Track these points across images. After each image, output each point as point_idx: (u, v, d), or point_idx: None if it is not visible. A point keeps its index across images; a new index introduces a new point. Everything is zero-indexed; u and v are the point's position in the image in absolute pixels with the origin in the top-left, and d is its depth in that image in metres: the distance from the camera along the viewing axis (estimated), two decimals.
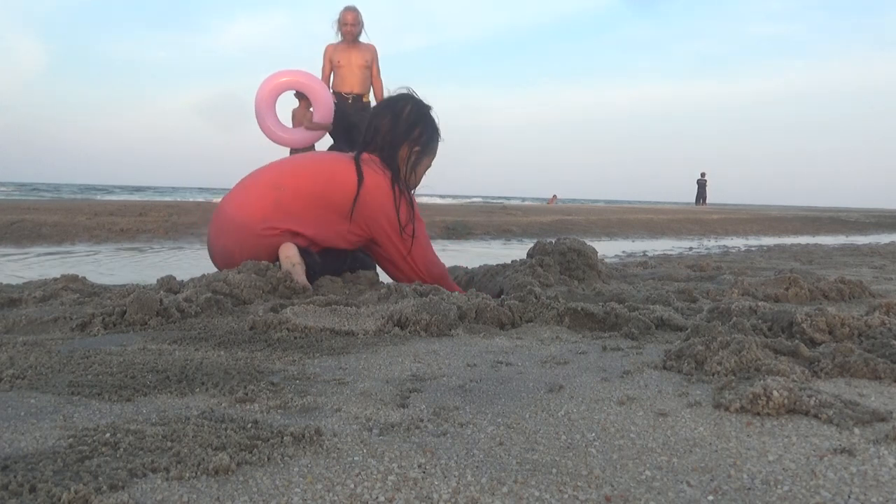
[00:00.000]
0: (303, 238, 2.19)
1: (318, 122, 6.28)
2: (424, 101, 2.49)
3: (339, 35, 6.20)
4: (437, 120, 2.48)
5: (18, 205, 6.77)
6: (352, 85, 6.42)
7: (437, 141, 2.50)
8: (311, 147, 6.25)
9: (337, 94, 6.07)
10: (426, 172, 2.51)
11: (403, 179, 2.37)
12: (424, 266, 2.31)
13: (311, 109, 6.21)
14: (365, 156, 2.33)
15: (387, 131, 2.37)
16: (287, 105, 6.25)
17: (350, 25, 6.08)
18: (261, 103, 6.03)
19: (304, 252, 2.16)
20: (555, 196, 27.18)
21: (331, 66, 6.16)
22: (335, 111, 6.11)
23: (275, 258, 2.17)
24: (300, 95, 6.28)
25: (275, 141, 6.12)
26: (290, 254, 2.12)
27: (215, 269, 2.19)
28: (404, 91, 2.50)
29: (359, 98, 6.37)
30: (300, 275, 2.07)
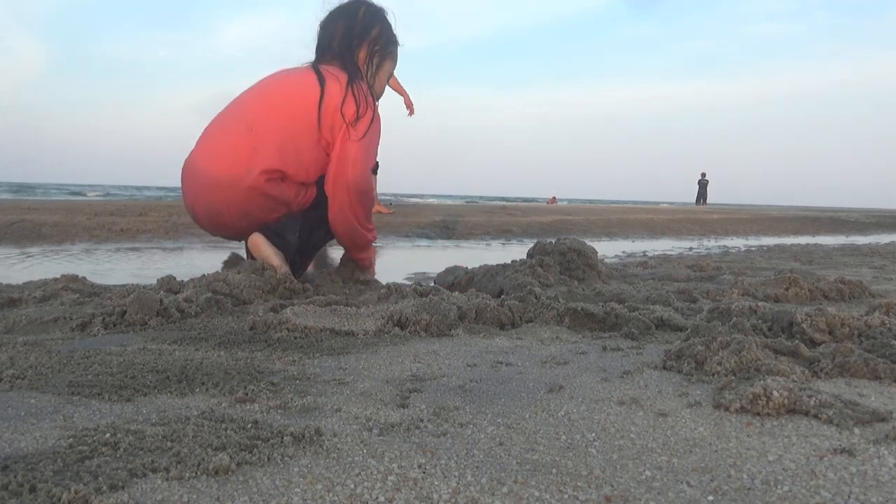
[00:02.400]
0: (285, 176, 2.10)
1: None
2: (380, 7, 2.40)
3: None
4: (393, 23, 2.40)
5: (18, 205, 6.78)
6: None
7: (396, 44, 2.42)
8: None
9: None
10: (388, 78, 2.43)
11: (367, 83, 2.29)
12: (354, 170, 2.12)
13: None
14: (323, 66, 2.24)
15: (343, 35, 2.29)
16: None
17: None
18: None
19: (276, 239, 2.11)
20: (554, 197, 27.17)
21: None
22: None
23: (270, 211, 2.10)
24: None
25: None
26: (265, 253, 2.07)
27: (215, 270, 2.18)
28: None
29: None
30: (283, 266, 2.06)
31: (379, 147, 2.30)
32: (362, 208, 2.19)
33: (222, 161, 2.07)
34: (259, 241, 2.09)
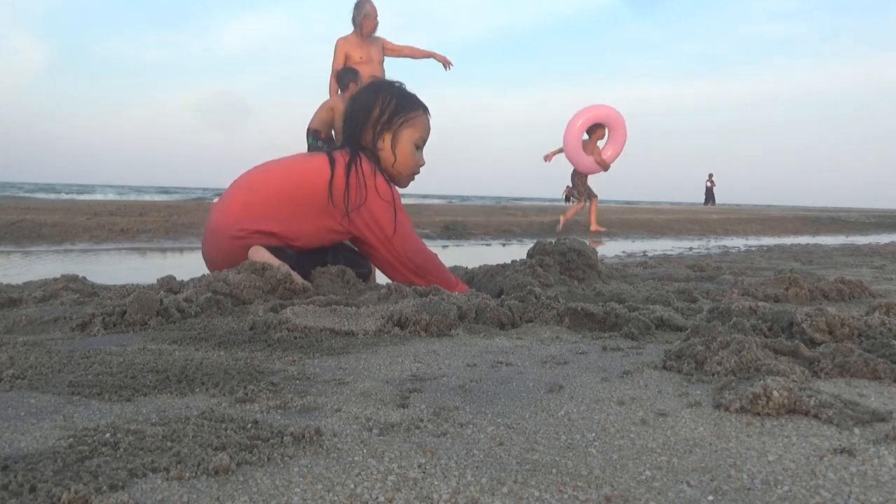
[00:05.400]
0: (277, 237, 2.14)
1: (603, 160, 7.53)
2: (387, 81, 2.37)
3: (358, 28, 6.13)
4: (403, 90, 2.34)
5: (18, 205, 6.77)
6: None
7: (412, 111, 2.33)
8: (586, 176, 7.85)
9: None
10: (415, 147, 2.33)
11: (379, 164, 2.26)
12: (406, 253, 2.20)
13: (601, 144, 7.67)
14: (336, 152, 2.27)
15: (349, 122, 2.31)
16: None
17: (372, 19, 6.05)
18: (575, 124, 7.64)
19: (275, 251, 2.12)
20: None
21: (344, 60, 6.14)
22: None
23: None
24: (593, 129, 7.70)
25: (567, 154, 7.72)
26: (264, 258, 2.06)
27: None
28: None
29: None
30: (296, 275, 2.05)
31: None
32: (433, 278, 2.23)
33: (220, 213, 2.21)
34: (259, 249, 2.10)
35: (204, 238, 2.29)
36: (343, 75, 6.17)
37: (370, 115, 2.28)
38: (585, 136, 7.76)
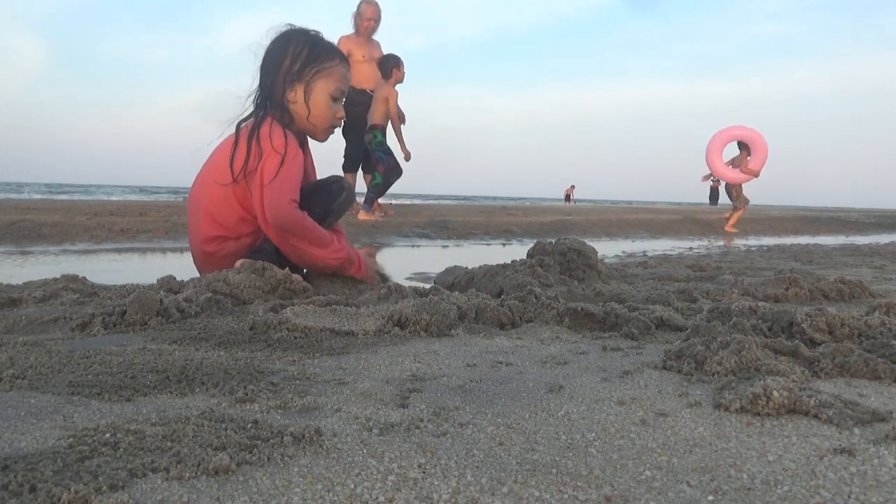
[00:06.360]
0: (239, 242, 2.15)
1: (751, 169, 9.38)
2: (302, 29, 2.22)
3: (356, 28, 6.12)
4: (318, 38, 2.20)
5: (18, 205, 6.77)
6: (371, 81, 6.55)
7: (327, 60, 2.17)
8: (740, 185, 9.68)
9: (355, 89, 6.23)
10: (332, 99, 2.19)
11: (290, 119, 2.17)
12: (270, 208, 2.03)
13: (749, 157, 9.37)
14: (249, 121, 2.18)
15: (260, 79, 2.20)
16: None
17: (369, 20, 6.08)
18: (714, 145, 9.54)
19: (255, 253, 2.13)
20: (573, 197, 26.88)
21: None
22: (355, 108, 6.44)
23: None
24: (741, 146, 9.46)
25: (715, 173, 9.75)
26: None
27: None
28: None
29: (371, 95, 6.49)
30: (295, 276, 2.04)
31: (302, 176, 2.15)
32: (298, 238, 2.09)
33: (195, 245, 2.24)
34: (242, 262, 2.10)
35: (194, 262, 2.30)
36: (384, 62, 6.26)
37: (281, 66, 2.15)
38: (737, 153, 9.52)
